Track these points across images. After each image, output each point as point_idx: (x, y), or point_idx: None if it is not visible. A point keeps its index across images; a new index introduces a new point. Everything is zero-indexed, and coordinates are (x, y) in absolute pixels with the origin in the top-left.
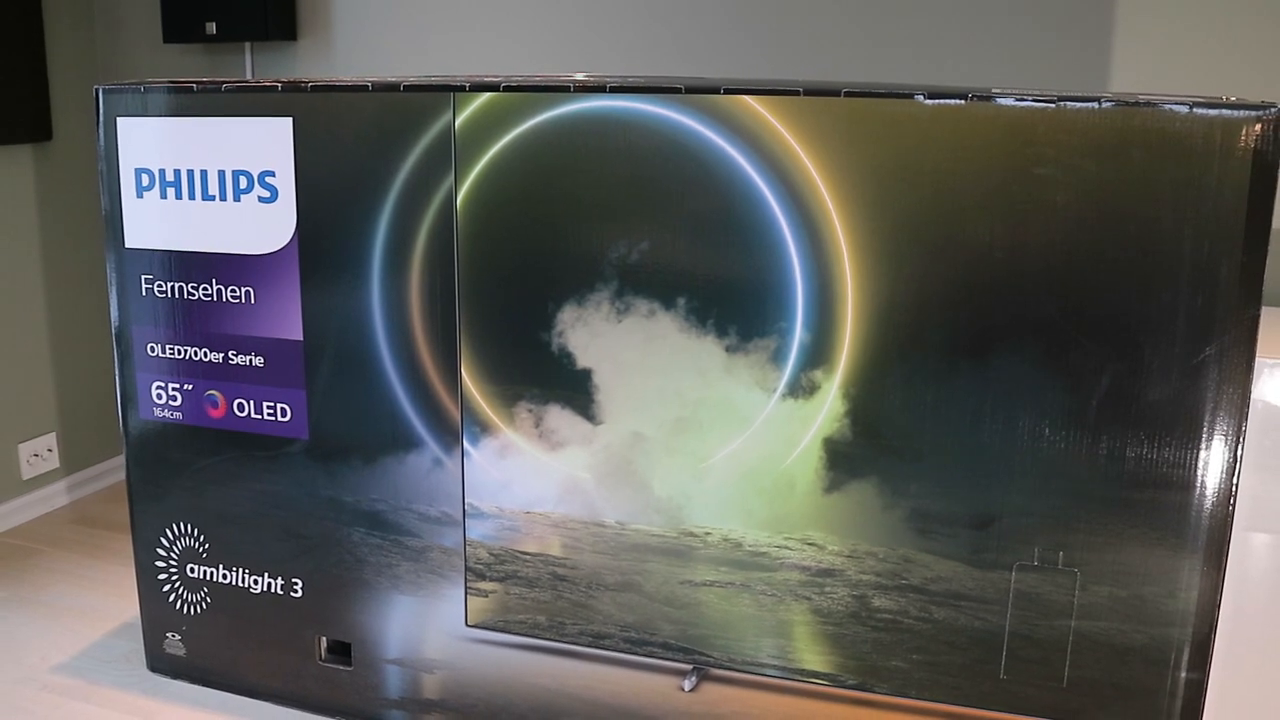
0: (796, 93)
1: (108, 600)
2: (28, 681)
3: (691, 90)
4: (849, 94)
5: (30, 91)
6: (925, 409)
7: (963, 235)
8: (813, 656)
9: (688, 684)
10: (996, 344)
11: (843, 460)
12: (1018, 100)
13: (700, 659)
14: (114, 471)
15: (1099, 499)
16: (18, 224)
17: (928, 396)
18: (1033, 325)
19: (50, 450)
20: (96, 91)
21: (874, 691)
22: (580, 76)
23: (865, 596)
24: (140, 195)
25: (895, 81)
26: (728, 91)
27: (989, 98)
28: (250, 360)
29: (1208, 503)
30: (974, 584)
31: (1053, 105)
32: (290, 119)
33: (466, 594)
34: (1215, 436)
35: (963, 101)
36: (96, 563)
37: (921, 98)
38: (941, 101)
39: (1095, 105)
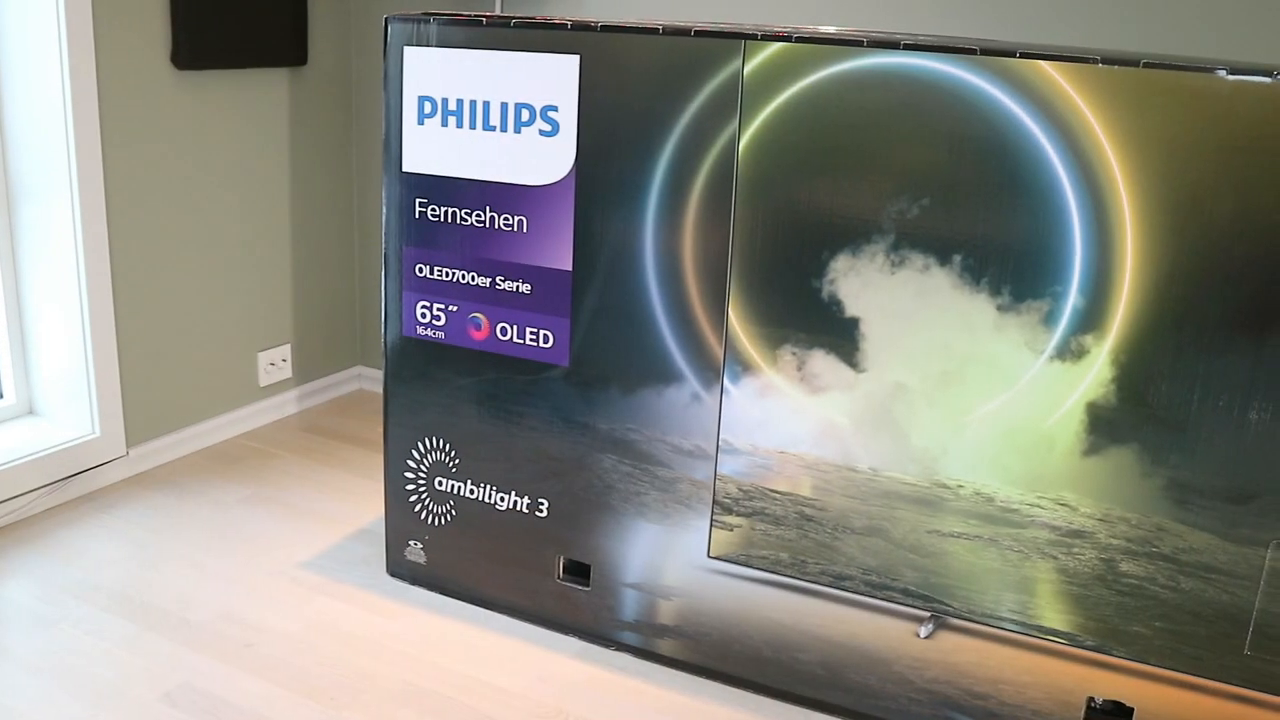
0: (1094, 61)
1: (344, 507)
2: (279, 575)
3: (986, 52)
4: (1148, 65)
5: (290, 21)
6: (1194, 381)
7: (1250, 212)
8: (1054, 615)
9: (924, 631)
10: (1275, 322)
11: (1104, 425)
12: None
13: (940, 607)
14: (337, 385)
15: None
16: (270, 143)
17: (1198, 368)
18: None
19: (284, 360)
20: (385, 21)
21: (1112, 654)
22: (835, 32)
23: (1113, 560)
24: (421, 122)
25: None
26: (1023, 56)
27: None
28: (518, 287)
29: None
30: (1227, 558)
31: None
32: (577, 56)
33: (712, 526)
34: None
35: (1268, 79)
36: (328, 470)
37: (1223, 73)
38: (1244, 78)
39: None
